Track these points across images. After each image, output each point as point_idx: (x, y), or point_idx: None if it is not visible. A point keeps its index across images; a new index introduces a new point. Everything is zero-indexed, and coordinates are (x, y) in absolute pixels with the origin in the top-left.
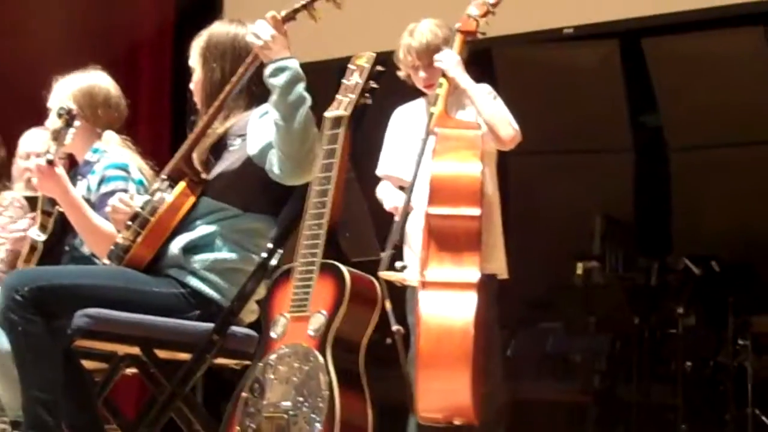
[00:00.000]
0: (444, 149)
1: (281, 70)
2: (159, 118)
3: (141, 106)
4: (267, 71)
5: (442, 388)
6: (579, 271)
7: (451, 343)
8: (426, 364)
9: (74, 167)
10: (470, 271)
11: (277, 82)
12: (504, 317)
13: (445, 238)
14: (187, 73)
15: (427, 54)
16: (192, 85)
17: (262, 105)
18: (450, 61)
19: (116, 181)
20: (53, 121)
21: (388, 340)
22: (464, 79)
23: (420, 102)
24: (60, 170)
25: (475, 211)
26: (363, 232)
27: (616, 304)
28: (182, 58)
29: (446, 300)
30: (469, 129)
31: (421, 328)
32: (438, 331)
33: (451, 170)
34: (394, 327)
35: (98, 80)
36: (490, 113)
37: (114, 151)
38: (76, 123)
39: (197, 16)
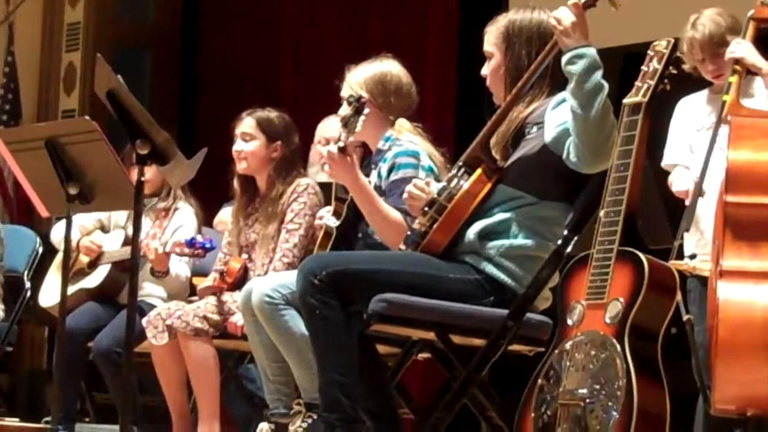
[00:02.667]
0: (739, 137)
1: (579, 57)
2: (444, 106)
3: (427, 93)
4: (565, 58)
5: (741, 379)
6: None
7: (751, 332)
8: (725, 353)
9: (369, 155)
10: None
11: (574, 69)
12: None
13: (742, 227)
14: (471, 61)
15: (710, 45)
16: (485, 71)
17: (560, 93)
18: (743, 49)
19: (406, 169)
20: (345, 109)
21: (673, 330)
22: (764, 64)
23: (703, 93)
24: (351, 158)
25: None
26: (656, 219)
27: None
28: (468, 48)
29: (746, 290)
30: (763, 118)
31: (719, 317)
32: (738, 321)
33: (748, 159)
34: (686, 317)
35: (390, 68)
36: None
37: (405, 138)
38: (366, 110)
39: (481, 3)
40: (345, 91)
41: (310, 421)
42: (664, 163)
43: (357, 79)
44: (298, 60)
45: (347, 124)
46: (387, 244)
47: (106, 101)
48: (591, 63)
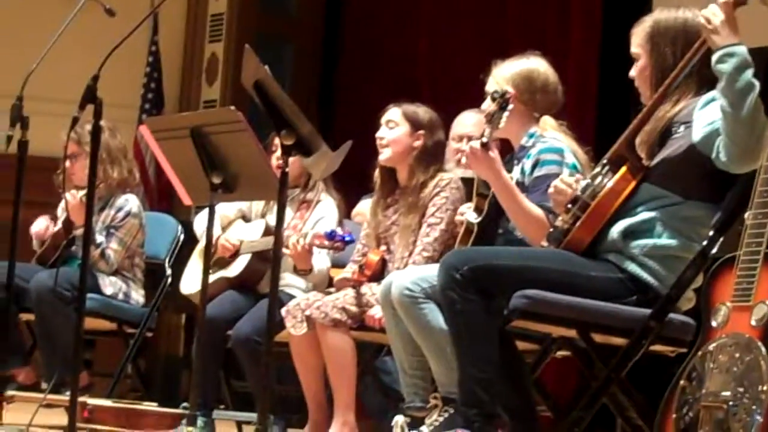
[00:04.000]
0: None
1: (729, 56)
2: (585, 106)
3: (568, 92)
4: (714, 57)
5: None
6: None
7: None
8: None
9: (509, 153)
10: None
11: (724, 68)
12: None
13: None
14: (613, 60)
15: None
16: (633, 72)
17: (709, 92)
18: None
19: (550, 165)
20: (488, 105)
21: None
22: None
23: None
24: (494, 153)
25: None
26: None
27: None
28: (609, 47)
29: None
30: None
31: None
32: None
33: None
34: None
35: (537, 65)
36: None
37: (549, 135)
38: (510, 106)
39: (625, 3)
40: (490, 86)
41: (446, 415)
42: None
43: (504, 74)
44: (436, 57)
45: (491, 119)
46: (528, 240)
47: (253, 92)
48: (742, 61)
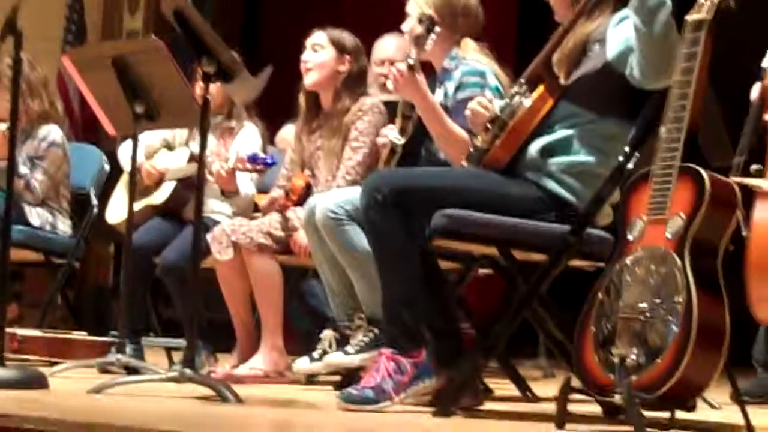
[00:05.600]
0: None
1: None
2: (505, 27)
3: (488, 14)
4: None
5: None
6: None
7: None
8: (758, 271)
9: (431, 75)
10: None
11: None
12: None
13: None
14: None
15: None
16: None
17: (622, 9)
18: None
19: (473, 88)
20: (410, 26)
21: (731, 247)
22: None
23: None
24: (420, 75)
25: None
26: (717, 137)
27: None
28: None
29: None
30: None
31: (753, 237)
32: None
33: None
34: (744, 232)
35: None
36: None
37: (471, 58)
38: (437, 29)
39: None
40: (411, 8)
41: (371, 335)
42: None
43: None
44: None
45: (418, 43)
46: (451, 161)
47: (173, 20)
48: None
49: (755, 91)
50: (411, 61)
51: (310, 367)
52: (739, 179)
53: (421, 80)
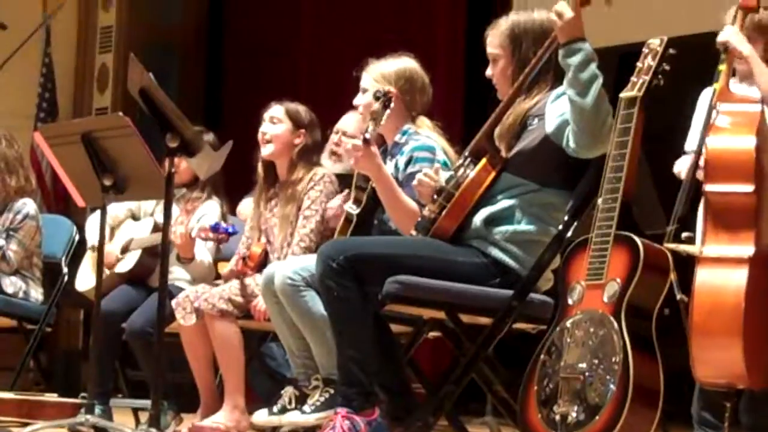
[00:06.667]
0: (722, 125)
1: (576, 51)
2: (453, 104)
3: (436, 90)
4: (562, 51)
5: (716, 358)
6: None
7: (722, 316)
8: (699, 335)
9: (383, 146)
10: (744, 247)
11: (572, 61)
12: None
13: (721, 215)
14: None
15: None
16: (489, 72)
17: (558, 87)
18: (728, 34)
19: (422, 163)
20: (365, 101)
21: (666, 311)
22: (745, 48)
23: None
24: (375, 149)
25: (749, 188)
26: (651, 206)
27: None
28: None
29: (719, 275)
30: (749, 104)
31: (694, 302)
32: (710, 305)
33: (726, 145)
34: (679, 296)
35: (415, 66)
36: (766, 83)
37: (423, 133)
38: (392, 105)
39: (486, 9)
40: (366, 83)
41: (327, 395)
42: (686, 149)
43: (385, 74)
44: (313, 56)
45: (375, 118)
46: (401, 230)
47: (139, 98)
48: (587, 55)
49: (677, 166)
50: (368, 136)
51: (269, 419)
52: (672, 246)
53: (377, 153)
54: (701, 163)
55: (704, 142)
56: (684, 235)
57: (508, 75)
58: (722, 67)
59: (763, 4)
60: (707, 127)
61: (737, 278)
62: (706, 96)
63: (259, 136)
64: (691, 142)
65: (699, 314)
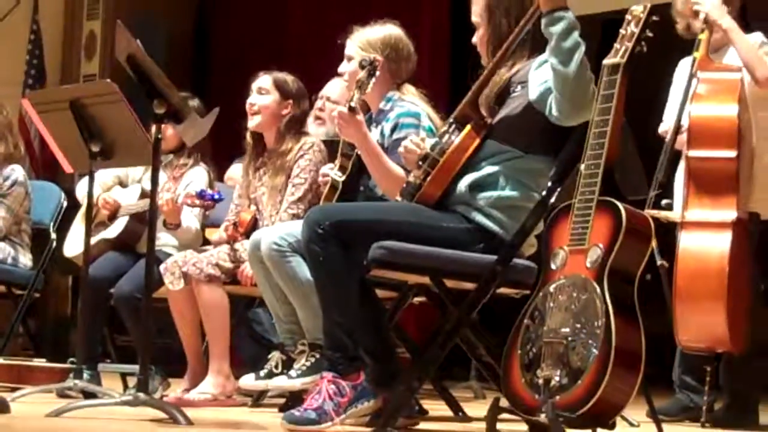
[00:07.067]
0: (704, 93)
1: (559, 19)
2: (438, 71)
3: (422, 58)
4: (545, 20)
5: (699, 322)
6: None
7: (706, 280)
8: (683, 299)
9: (367, 113)
10: (727, 212)
11: (554, 29)
12: None
13: (704, 180)
14: (464, 30)
15: None
16: (475, 40)
17: (541, 54)
18: (708, 6)
19: (408, 128)
20: (351, 69)
21: (647, 276)
22: (725, 20)
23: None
24: (360, 117)
25: (731, 153)
26: (633, 172)
27: None
28: (460, 16)
29: (703, 239)
30: (729, 72)
31: (678, 266)
32: (694, 269)
33: (709, 113)
34: (659, 262)
35: (401, 33)
36: (747, 52)
37: (408, 100)
38: (377, 73)
39: None
40: (352, 51)
41: (313, 359)
42: (664, 118)
43: (371, 41)
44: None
45: (360, 86)
46: (387, 196)
47: (126, 65)
48: (570, 23)
49: (662, 127)
50: (353, 104)
51: (255, 384)
52: (654, 212)
53: (362, 121)
54: (682, 131)
55: (684, 110)
56: (664, 202)
57: (484, 42)
58: (702, 36)
59: None
60: (688, 95)
61: (721, 242)
62: (683, 66)
63: (247, 107)
64: (669, 113)
65: (683, 278)
